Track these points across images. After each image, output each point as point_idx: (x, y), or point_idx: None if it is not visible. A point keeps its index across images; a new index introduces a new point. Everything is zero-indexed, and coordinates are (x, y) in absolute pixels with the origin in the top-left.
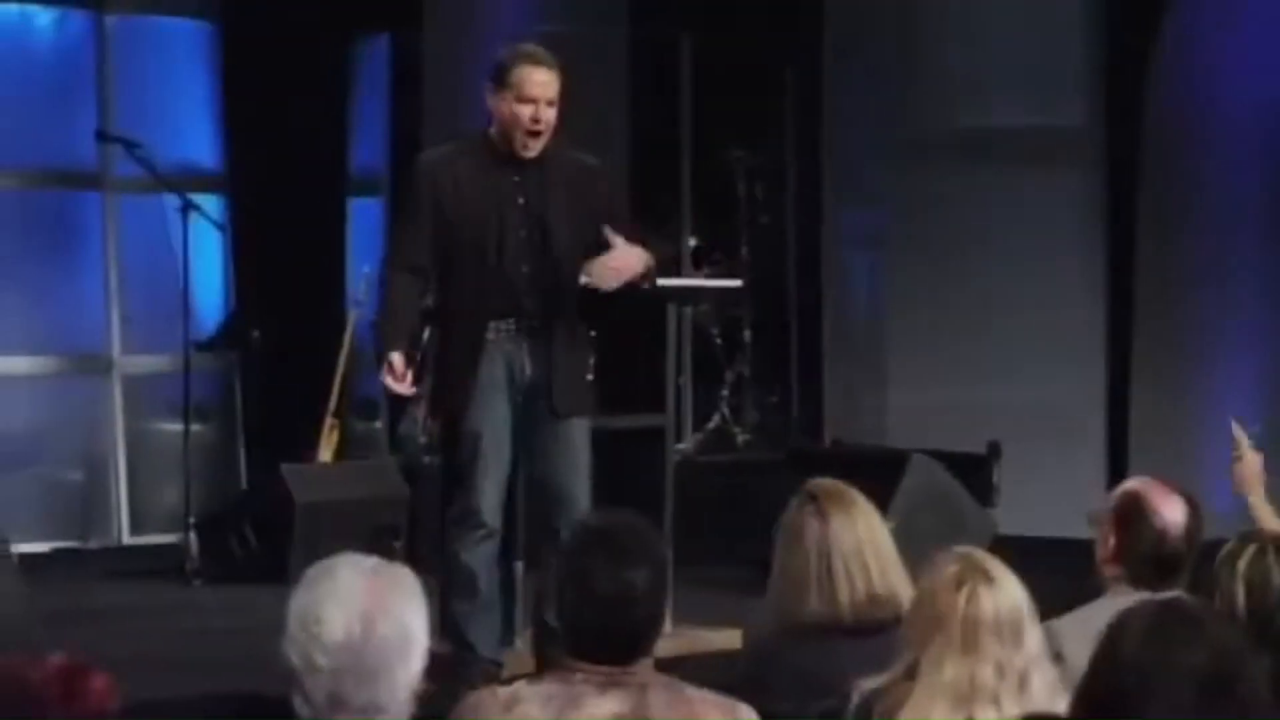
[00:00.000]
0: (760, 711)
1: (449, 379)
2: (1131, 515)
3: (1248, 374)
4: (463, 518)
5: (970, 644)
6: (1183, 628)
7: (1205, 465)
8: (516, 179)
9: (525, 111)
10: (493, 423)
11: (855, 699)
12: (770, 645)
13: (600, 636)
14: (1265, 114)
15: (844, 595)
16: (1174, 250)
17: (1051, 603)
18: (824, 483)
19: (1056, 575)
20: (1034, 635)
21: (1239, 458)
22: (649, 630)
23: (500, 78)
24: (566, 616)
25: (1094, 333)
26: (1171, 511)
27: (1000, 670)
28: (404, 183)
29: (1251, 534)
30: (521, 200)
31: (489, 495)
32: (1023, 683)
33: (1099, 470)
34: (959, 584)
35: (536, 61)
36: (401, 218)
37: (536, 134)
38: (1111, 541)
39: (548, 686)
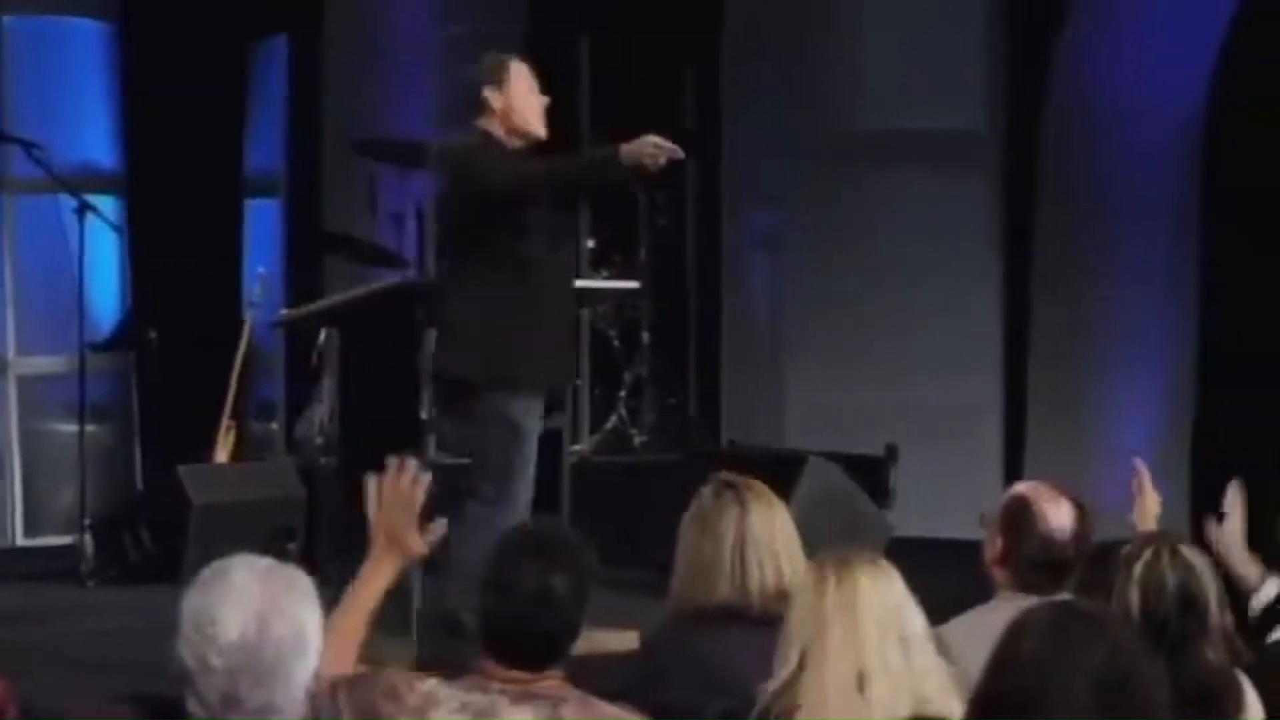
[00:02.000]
0: (656, 703)
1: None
2: (1018, 519)
3: (1144, 375)
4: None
5: (852, 634)
6: (1082, 628)
7: (1100, 466)
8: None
9: (536, 100)
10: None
11: (760, 703)
12: (671, 633)
13: (516, 637)
14: (1162, 117)
15: (754, 584)
16: (1071, 253)
17: (947, 604)
18: (739, 476)
19: (953, 577)
20: (916, 622)
21: (1140, 493)
22: (565, 636)
23: (499, 77)
24: (486, 615)
25: (991, 335)
26: (1058, 516)
27: (885, 656)
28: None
29: (1150, 535)
30: None
31: None
32: (909, 664)
33: (995, 472)
34: (838, 578)
35: (512, 57)
36: (494, 157)
37: (542, 116)
38: (999, 545)
39: (464, 692)
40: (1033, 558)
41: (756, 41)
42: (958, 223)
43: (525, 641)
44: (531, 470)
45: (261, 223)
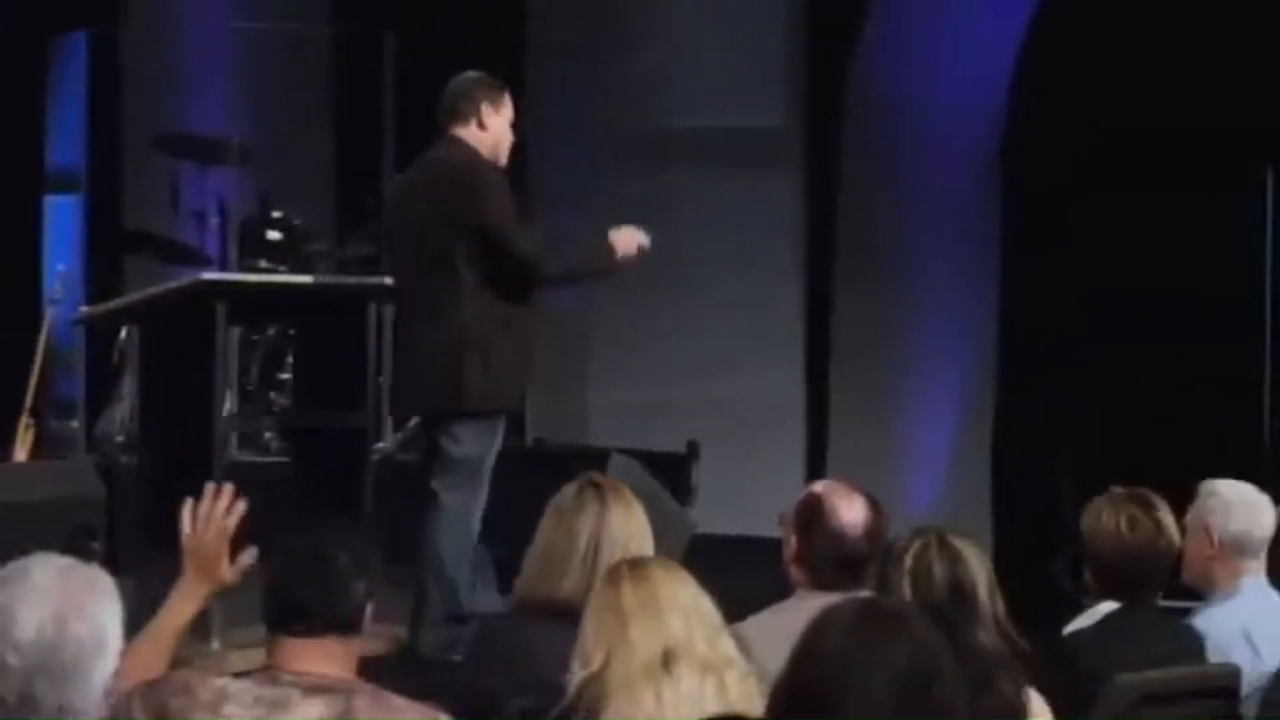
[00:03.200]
0: (475, 688)
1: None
2: (811, 518)
3: (945, 371)
4: None
5: (655, 623)
6: (884, 625)
7: (903, 463)
8: None
9: (511, 131)
10: None
11: (566, 698)
12: (508, 622)
13: (294, 600)
14: (963, 114)
15: None
16: (873, 249)
17: (749, 602)
18: (604, 477)
19: (754, 574)
20: (710, 610)
21: None
22: (341, 604)
23: (497, 100)
24: (267, 585)
25: (793, 333)
26: (850, 512)
27: (690, 640)
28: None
29: (923, 528)
30: None
31: None
32: (714, 650)
33: (798, 468)
34: (633, 576)
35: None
36: (514, 220)
37: None
38: (793, 543)
39: (256, 686)
40: (826, 555)
41: (561, 37)
42: (760, 219)
43: (303, 603)
44: None
45: (62, 219)
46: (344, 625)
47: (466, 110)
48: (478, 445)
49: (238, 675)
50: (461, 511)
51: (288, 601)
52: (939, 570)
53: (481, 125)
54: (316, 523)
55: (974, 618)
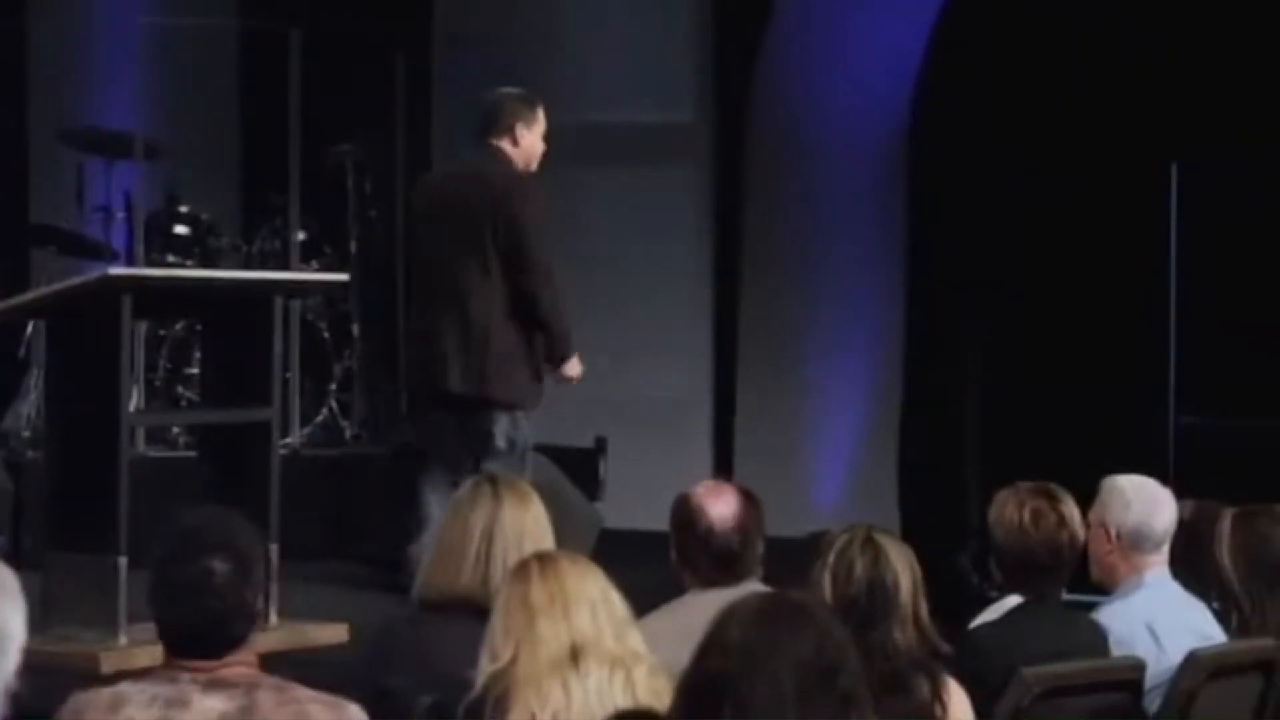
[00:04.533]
0: (378, 688)
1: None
2: (683, 519)
3: (852, 365)
4: None
5: (563, 617)
6: (790, 616)
7: (811, 456)
8: None
9: (542, 143)
10: None
11: (473, 692)
12: (408, 619)
13: (185, 629)
14: (867, 111)
15: (497, 577)
16: (780, 244)
17: (657, 596)
18: (506, 475)
19: (662, 569)
20: (619, 605)
21: None
22: (235, 621)
23: (533, 117)
24: (154, 612)
25: (700, 327)
26: (718, 506)
27: (597, 634)
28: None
29: (849, 525)
30: None
31: None
32: (621, 646)
33: (705, 463)
34: (542, 570)
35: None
36: (543, 233)
37: None
38: (673, 546)
39: (152, 686)
40: (701, 552)
41: (468, 29)
42: (667, 214)
43: (195, 632)
44: None
45: None
46: (240, 639)
47: (503, 125)
48: (529, 432)
49: (136, 676)
50: None
51: (178, 635)
52: (860, 567)
53: (516, 142)
54: (186, 529)
55: (892, 616)
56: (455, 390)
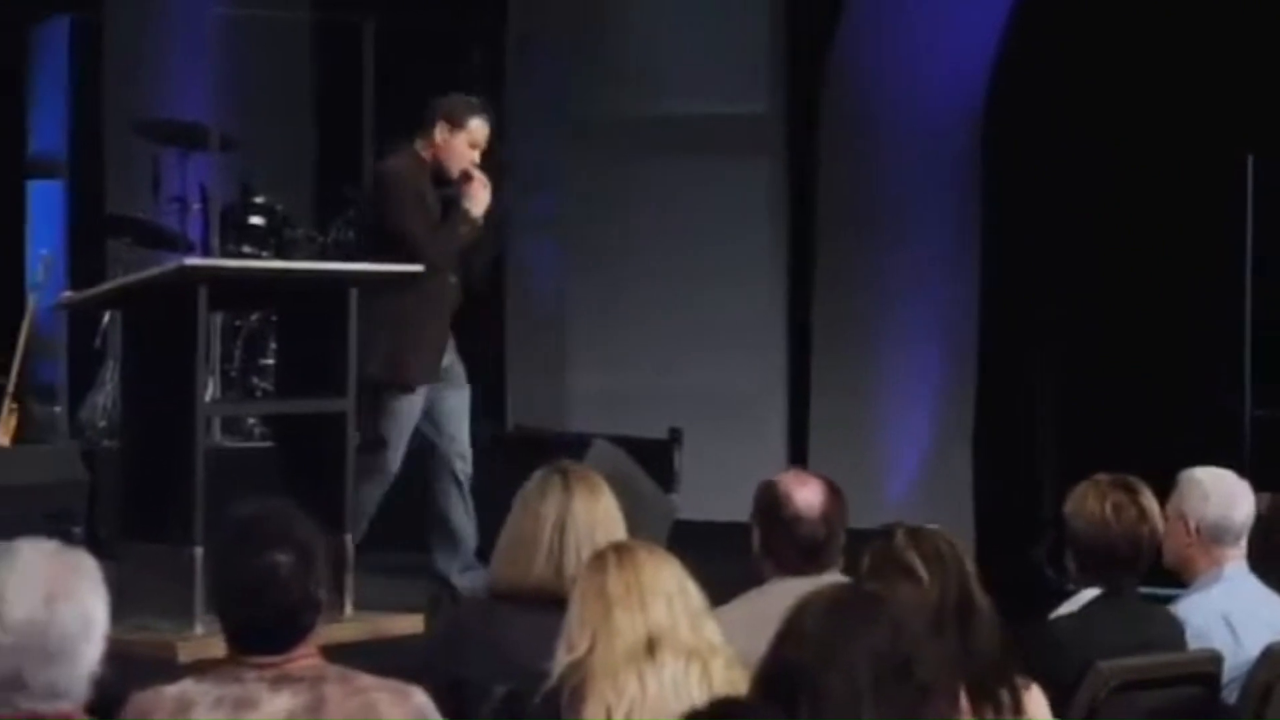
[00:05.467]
0: (451, 678)
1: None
2: (768, 507)
3: (927, 358)
4: None
5: (639, 608)
6: (865, 608)
7: (885, 447)
8: (443, 193)
9: (470, 154)
10: None
11: (549, 681)
12: (480, 610)
13: (252, 625)
14: (943, 103)
15: (570, 568)
16: (854, 236)
17: (730, 587)
18: (574, 463)
19: (737, 561)
20: (696, 595)
21: None
22: (302, 613)
23: (459, 120)
24: (218, 609)
25: (775, 318)
26: (804, 495)
27: (673, 626)
28: (385, 183)
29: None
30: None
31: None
32: (697, 637)
33: (779, 454)
34: (619, 560)
35: (487, 116)
36: (407, 209)
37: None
38: (757, 535)
39: (217, 686)
40: (786, 540)
41: (541, 24)
42: (742, 206)
43: (264, 627)
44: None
45: (44, 205)
46: (306, 631)
47: (427, 125)
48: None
49: (199, 674)
50: None
51: (245, 631)
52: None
53: (431, 142)
54: (244, 524)
55: (976, 615)
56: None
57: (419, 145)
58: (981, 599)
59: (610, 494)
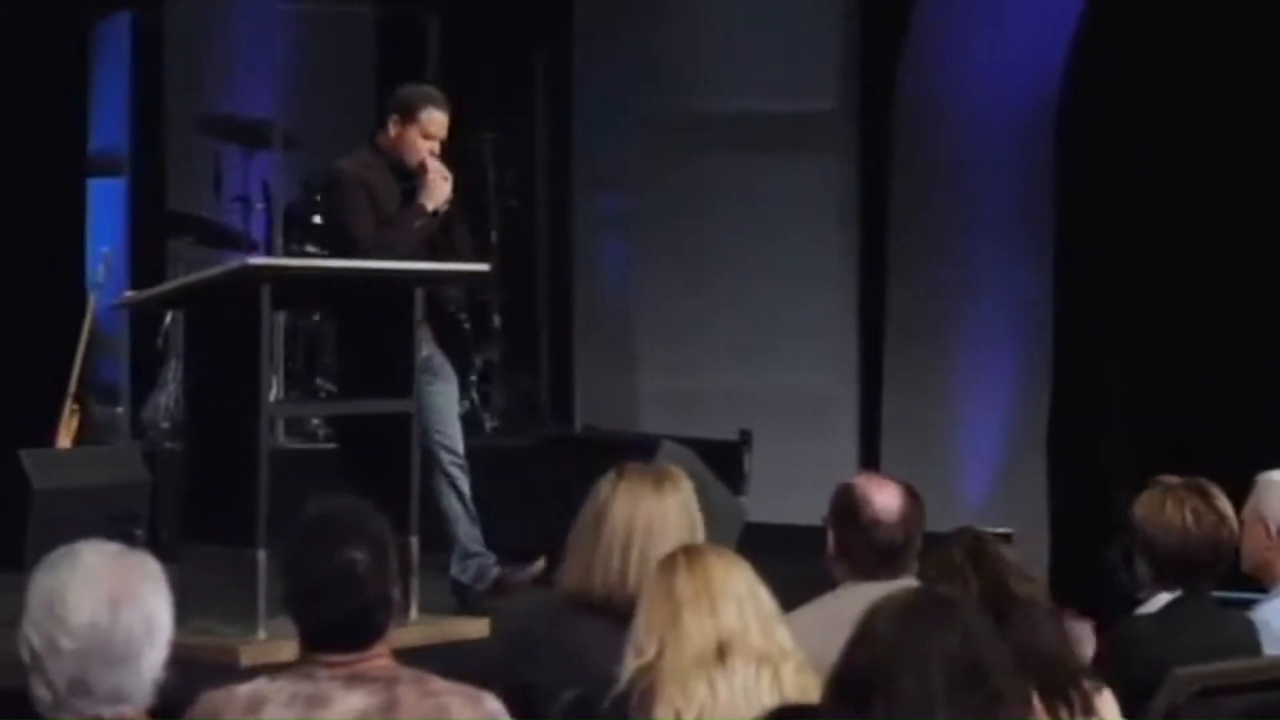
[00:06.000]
0: (519, 683)
1: None
2: (846, 509)
3: (1000, 359)
4: None
5: (709, 612)
6: (938, 612)
7: (958, 450)
8: (403, 187)
9: (425, 145)
10: None
11: (618, 685)
12: (549, 615)
13: (328, 623)
14: (1016, 99)
15: (638, 571)
16: (926, 236)
17: (801, 591)
18: (644, 465)
19: (807, 563)
20: (770, 605)
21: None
22: (377, 612)
23: (410, 112)
24: (293, 608)
25: (846, 319)
26: (884, 500)
27: (744, 631)
28: (336, 184)
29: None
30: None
31: None
32: (767, 642)
33: (851, 457)
34: (689, 564)
35: (441, 106)
36: (351, 208)
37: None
38: (833, 538)
39: (290, 684)
40: (862, 544)
41: (609, 20)
42: (812, 205)
43: (341, 625)
44: None
45: (105, 203)
46: (381, 630)
47: (385, 117)
48: None
49: (271, 673)
50: None
51: (320, 630)
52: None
53: (388, 134)
54: (318, 521)
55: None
56: None
57: (378, 139)
58: (1035, 598)
59: (684, 490)
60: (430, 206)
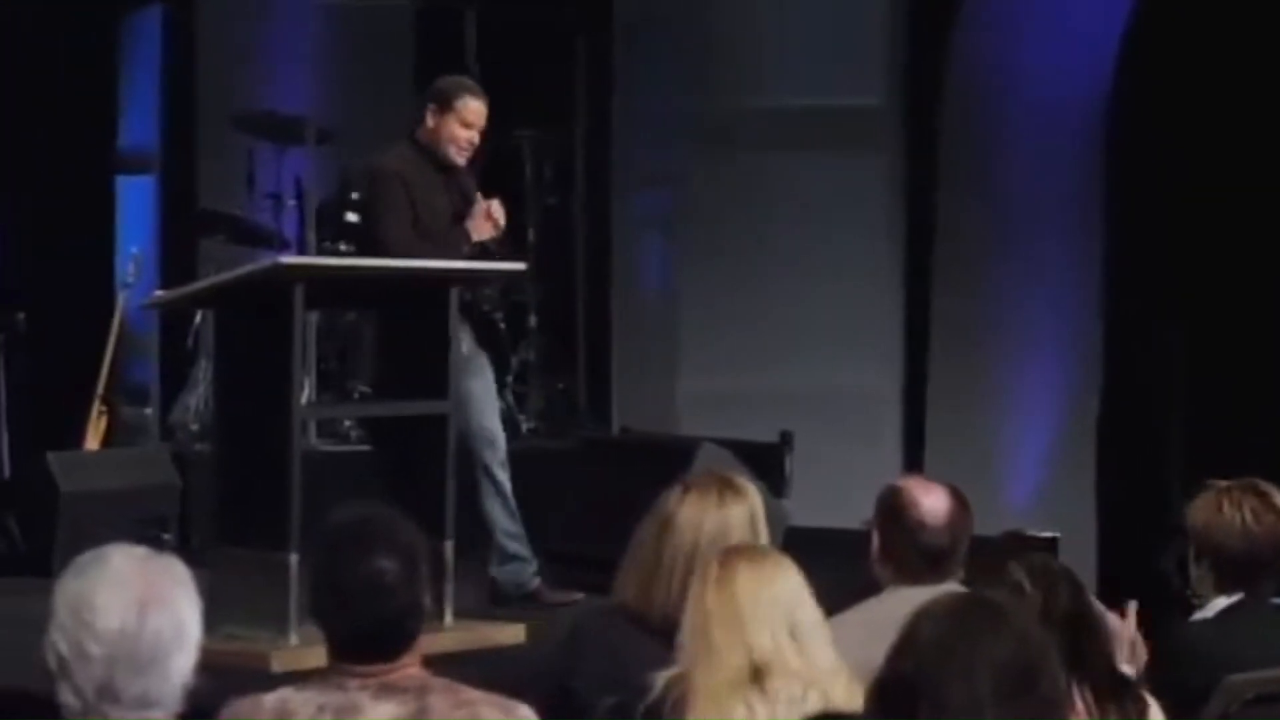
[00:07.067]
0: (565, 689)
1: None
2: (891, 511)
3: (1048, 359)
4: None
5: (736, 627)
6: (986, 617)
7: (1004, 453)
8: (445, 180)
9: (464, 134)
10: None
11: (652, 693)
12: (601, 624)
13: (358, 632)
14: (1065, 98)
15: (688, 583)
16: (972, 236)
17: (844, 595)
18: (712, 476)
19: (849, 567)
20: (808, 613)
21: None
22: (408, 620)
23: (446, 102)
24: (321, 616)
25: (891, 320)
26: (930, 502)
27: (778, 649)
28: (375, 182)
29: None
30: (448, 198)
31: None
32: (806, 659)
33: (894, 460)
34: (718, 572)
35: (478, 95)
36: (388, 209)
37: (468, 151)
38: (877, 541)
39: (319, 694)
40: (908, 547)
41: (650, 13)
42: (857, 203)
43: (370, 635)
44: None
45: (135, 201)
46: (411, 639)
47: (424, 111)
48: None
49: (298, 682)
50: None
51: (349, 638)
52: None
53: (426, 126)
54: (346, 528)
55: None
56: None
57: (418, 134)
58: (1092, 609)
59: (749, 498)
60: (475, 238)
